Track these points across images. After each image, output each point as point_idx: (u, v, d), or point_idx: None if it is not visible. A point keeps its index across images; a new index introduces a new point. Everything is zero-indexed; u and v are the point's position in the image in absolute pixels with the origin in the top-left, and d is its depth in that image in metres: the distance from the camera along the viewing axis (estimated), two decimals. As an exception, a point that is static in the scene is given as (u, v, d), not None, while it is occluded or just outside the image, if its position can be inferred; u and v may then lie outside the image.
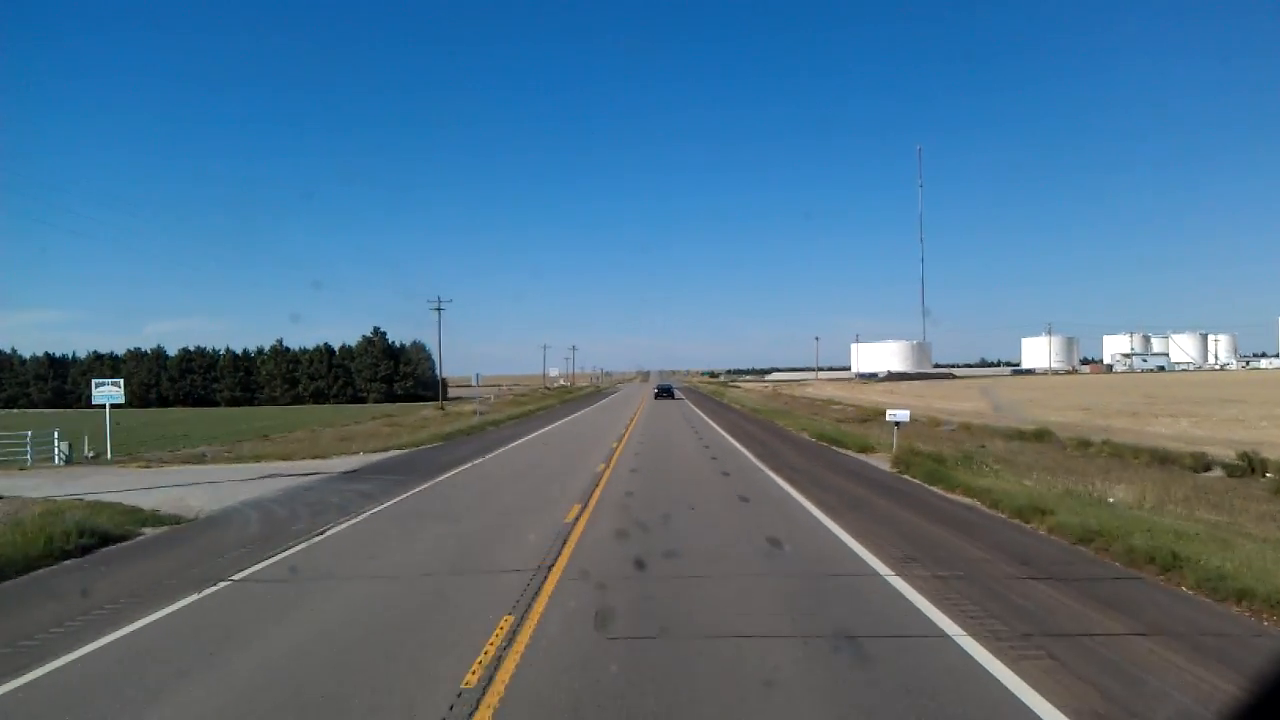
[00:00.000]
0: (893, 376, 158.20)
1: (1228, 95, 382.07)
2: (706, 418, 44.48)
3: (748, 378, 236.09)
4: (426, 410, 62.59)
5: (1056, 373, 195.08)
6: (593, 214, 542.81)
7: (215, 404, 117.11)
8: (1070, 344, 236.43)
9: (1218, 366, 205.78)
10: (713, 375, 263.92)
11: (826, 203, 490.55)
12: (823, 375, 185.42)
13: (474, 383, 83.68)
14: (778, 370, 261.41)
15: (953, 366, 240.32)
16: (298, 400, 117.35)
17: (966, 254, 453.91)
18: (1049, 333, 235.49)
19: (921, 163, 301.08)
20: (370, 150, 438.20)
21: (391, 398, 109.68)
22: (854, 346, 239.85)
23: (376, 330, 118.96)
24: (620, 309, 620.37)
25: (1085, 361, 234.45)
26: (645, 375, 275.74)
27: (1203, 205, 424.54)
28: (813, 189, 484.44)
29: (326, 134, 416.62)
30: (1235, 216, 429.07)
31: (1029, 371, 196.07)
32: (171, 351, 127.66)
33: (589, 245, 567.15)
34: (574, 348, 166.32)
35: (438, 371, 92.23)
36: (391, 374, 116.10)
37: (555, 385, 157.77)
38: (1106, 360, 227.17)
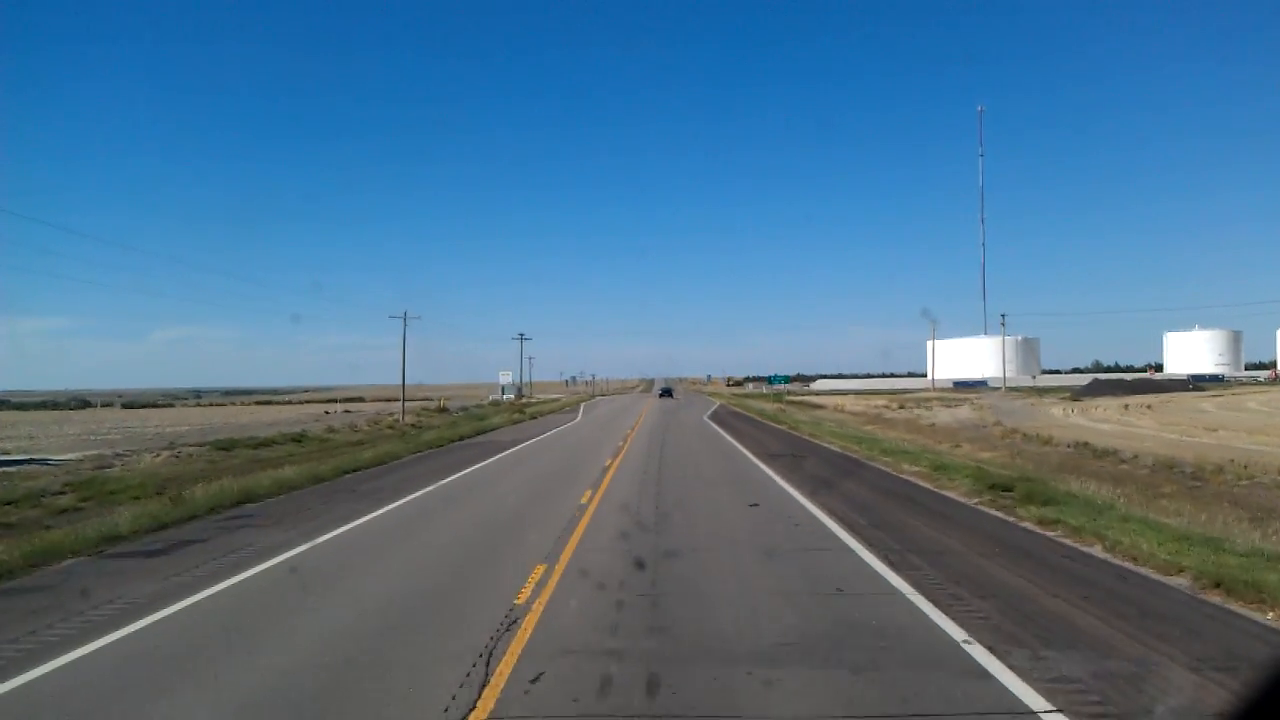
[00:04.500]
0: (1102, 387, 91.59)
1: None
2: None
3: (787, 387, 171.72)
4: None
5: (1248, 382, 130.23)
6: (596, 215, 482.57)
7: None
8: (1235, 340, 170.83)
9: None
10: (733, 382, 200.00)
11: (851, 192, 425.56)
12: (939, 384, 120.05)
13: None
14: (822, 377, 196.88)
15: (1078, 372, 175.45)
16: None
17: (1048, 233, 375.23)
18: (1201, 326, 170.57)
19: (982, 127, 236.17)
20: (370, 156, 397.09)
21: None
22: (930, 344, 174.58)
23: None
24: (625, 314, 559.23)
25: (1250, 366, 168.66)
26: (649, 383, 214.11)
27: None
28: (844, 174, 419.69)
29: (328, 139, 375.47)
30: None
31: (1215, 379, 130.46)
32: None
33: (591, 248, 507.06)
34: (522, 335, 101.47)
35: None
36: None
37: (493, 399, 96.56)
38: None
